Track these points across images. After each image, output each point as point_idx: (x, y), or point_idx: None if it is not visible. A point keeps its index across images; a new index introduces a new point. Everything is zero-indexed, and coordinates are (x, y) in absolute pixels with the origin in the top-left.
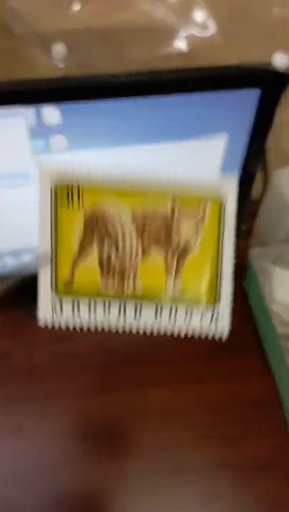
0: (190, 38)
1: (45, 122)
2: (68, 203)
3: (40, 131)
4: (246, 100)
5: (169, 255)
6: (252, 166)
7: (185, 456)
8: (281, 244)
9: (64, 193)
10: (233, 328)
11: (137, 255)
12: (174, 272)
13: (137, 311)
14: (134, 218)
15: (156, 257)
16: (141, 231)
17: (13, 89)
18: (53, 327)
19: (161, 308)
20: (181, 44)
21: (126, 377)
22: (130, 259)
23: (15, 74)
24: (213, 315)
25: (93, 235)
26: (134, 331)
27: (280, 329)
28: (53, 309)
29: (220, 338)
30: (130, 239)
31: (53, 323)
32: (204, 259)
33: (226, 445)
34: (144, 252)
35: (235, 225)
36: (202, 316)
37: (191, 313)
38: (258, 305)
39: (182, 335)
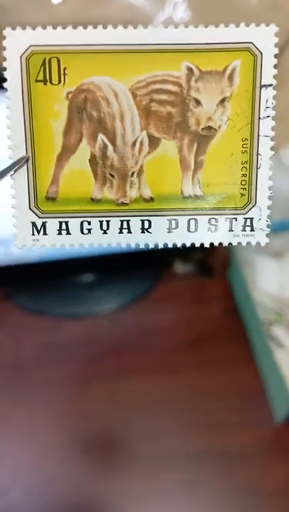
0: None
1: None
2: (45, 79)
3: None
4: None
5: (186, 144)
6: None
7: (167, 444)
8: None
9: (39, 65)
10: (218, 320)
11: (141, 149)
12: (192, 168)
13: (145, 225)
14: (135, 96)
15: (168, 149)
16: (146, 114)
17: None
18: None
19: (177, 220)
20: None
21: (111, 367)
22: (132, 154)
23: None
24: (246, 220)
25: (81, 123)
26: (142, 246)
27: (264, 316)
28: (33, 232)
29: (258, 244)
30: (132, 126)
31: (34, 246)
32: (234, 144)
33: (209, 433)
34: (151, 143)
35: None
36: (232, 223)
37: (216, 221)
38: (242, 294)
39: (207, 245)
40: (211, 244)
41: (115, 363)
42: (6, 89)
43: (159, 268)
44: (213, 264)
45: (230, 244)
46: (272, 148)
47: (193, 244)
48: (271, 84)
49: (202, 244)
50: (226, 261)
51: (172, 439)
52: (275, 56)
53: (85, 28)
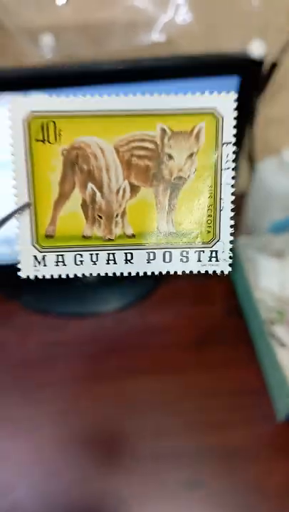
0: (168, 28)
1: None
2: (44, 138)
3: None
4: (225, 88)
5: (161, 190)
6: (235, 154)
7: (170, 442)
8: (266, 233)
9: (38, 127)
10: (220, 319)
11: (124, 195)
12: (166, 210)
13: (128, 257)
14: (118, 152)
15: (146, 195)
16: (127, 166)
17: (1, 76)
18: (37, 278)
19: (154, 253)
20: (160, 34)
21: (115, 366)
22: (117, 199)
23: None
24: (212, 252)
25: (74, 175)
26: (125, 275)
27: (265, 314)
28: (35, 264)
29: (222, 272)
30: (116, 176)
31: (35, 275)
32: (200, 190)
33: (212, 432)
34: (132, 190)
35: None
36: (200, 254)
37: (187, 253)
38: (244, 293)
39: (180, 273)
40: (183, 272)
41: (119, 362)
42: None
43: None
44: None
45: (198, 272)
46: (233, 194)
47: (168, 273)
48: (231, 142)
49: (175, 272)
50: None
51: (174, 438)
52: (234, 118)
53: (76, 97)
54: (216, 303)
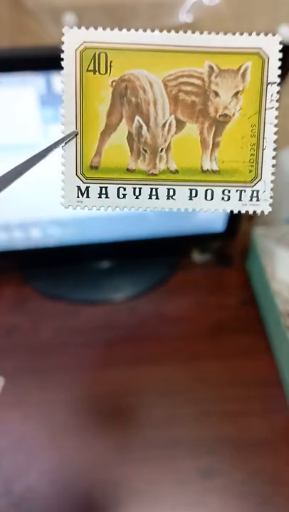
0: (195, 8)
1: (55, 91)
2: (95, 69)
3: (50, 100)
4: None
5: (206, 127)
6: None
7: (183, 431)
8: (284, 224)
9: (90, 57)
10: (235, 309)
11: (170, 129)
12: (210, 147)
13: (170, 193)
14: (166, 86)
15: (191, 131)
16: (174, 101)
17: (23, 55)
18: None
19: (197, 190)
20: (186, 15)
21: (128, 353)
22: (162, 134)
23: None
24: (253, 192)
25: (122, 107)
26: (166, 210)
27: (282, 306)
28: (78, 195)
29: (262, 212)
30: (163, 110)
31: (78, 206)
32: (244, 129)
33: (226, 421)
34: (177, 125)
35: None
36: (241, 193)
37: (229, 192)
38: (260, 284)
39: (220, 211)
40: (224, 210)
41: (132, 350)
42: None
43: (177, 256)
44: (231, 253)
45: (239, 212)
46: (275, 133)
47: (209, 210)
48: (275, 82)
49: (216, 210)
50: (243, 251)
51: (187, 427)
52: (279, 60)
53: (128, 30)
54: (230, 293)
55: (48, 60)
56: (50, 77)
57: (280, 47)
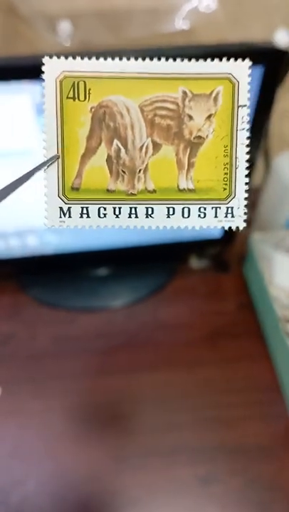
0: (191, 15)
1: None
2: (74, 96)
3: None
4: None
5: (181, 149)
6: (254, 145)
7: (182, 438)
8: (282, 229)
9: (70, 85)
10: (232, 315)
11: (147, 151)
12: (186, 167)
13: (149, 211)
14: (142, 111)
15: (168, 152)
16: (151, 125)
17: (18, 64)
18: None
19: (174, 208)
20: (182, 21)
21: (126, 360)
22: (140, 156)
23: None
24: (228, 209)
25: (101, 131)
26: (146, 228)
27: (280, 311)
28: (61, 215)
29: (237, 228)
30: (140, 134)
31: (60, 226)
32: (218, 150)
33: (224, 428)
34: (154, 147)
35: (249, 114)
36: (216, 210)
37: (205, 209)
38: (258, 290)
39: (197, 228)
40: (200, 227)
41: (129, 357)
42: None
43: (175, 263)
44: (229, 259)
45: (214, 227)
46: (247, 153)
47: (186, 227)
48: (245, 105)
49: (193, 227)
50: (241, 256)
51: (186, 433)
52: (248, 84)
53: (105, 59)
54: (228, 299)
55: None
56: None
57: (249, 72)
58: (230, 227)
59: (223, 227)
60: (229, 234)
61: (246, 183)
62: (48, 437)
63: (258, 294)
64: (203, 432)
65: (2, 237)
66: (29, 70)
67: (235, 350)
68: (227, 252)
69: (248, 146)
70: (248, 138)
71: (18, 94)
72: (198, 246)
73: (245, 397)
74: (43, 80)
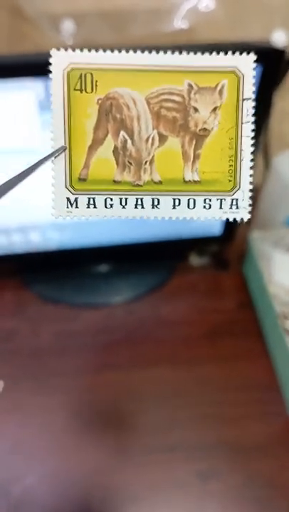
0: (191, 14)
1: None
2: (81, 88)
3: (49, 105)
4: None
5: (187, 141)
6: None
7: (182, 435)
8: (281, 228)
9: (77, 77)
10: (232, 313)
11: (153, 143)
12: (191, 159)
13: (155, 202)
14: (149, 103)
15: (173, 144)
16: (157, 117)
17: (22, 61)
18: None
19: (180, 199)
20: (182, 21)
21: (126, 357)
22: (146, 147)
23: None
24: (233, 200)
25: (107, 122)
26: (152, 219)
27: (279, 309)
28: (68, 206)
29: (241, 220)
30: (146, 125)
31: (67, 216)
32: (223, 142)
33: (224, 425)
34: (160, 139)
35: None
36: (221, 202)
37: (210, 201)
38: (257, 288)
39: (202, 219)
40: (205, 218)
41: (130, 353)
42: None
43: (175, 260)
44: (228, 257)
45: (219, 218)
46: (252, 145)
47: (191, 218)
48: (250, 98)
49: (199, 218)
50: (240, 254)
51: (186, 430)
52: (253, 77)
53: (112, 51)
54: (227, 296)
55: (46, 66)
56: (48, 83)
57: (254, 65)
58: (234, 219)
59: (227, 219)
60: (229, 232)
61: (250, 175)
62: (50, 433)
63: (258, 292)
64: (204, 429)
65: (5, 232)
66: (32, 67)
67: (235, 348)
68: (227, 250)
69: (252, 138)
70: (252, 130)
71: (21, 92)
72: (199, 244)
73: (244, 394)
74: (50, 71)
